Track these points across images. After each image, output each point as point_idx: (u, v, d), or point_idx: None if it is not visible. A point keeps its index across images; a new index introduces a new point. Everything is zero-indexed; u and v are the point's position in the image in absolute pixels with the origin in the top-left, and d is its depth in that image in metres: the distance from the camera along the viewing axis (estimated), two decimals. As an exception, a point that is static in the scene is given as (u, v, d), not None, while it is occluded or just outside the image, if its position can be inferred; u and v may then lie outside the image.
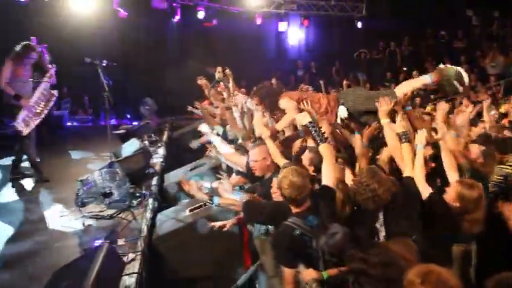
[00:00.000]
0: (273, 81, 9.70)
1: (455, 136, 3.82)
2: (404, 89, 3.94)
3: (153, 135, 8.14)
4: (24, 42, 5.74)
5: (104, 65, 5.96)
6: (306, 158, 3.59)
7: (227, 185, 3.89)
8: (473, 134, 4.69)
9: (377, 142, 3.91)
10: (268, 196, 3.37)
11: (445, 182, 3.17)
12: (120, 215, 4.73)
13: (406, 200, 2.92)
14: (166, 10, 11.97)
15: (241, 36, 13.12)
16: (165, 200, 5.45)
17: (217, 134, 6.27)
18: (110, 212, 4.78)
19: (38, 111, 5.72)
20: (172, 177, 5.95)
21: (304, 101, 3.97)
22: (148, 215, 4.61)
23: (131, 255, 3.72)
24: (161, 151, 7.39)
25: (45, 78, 5.83)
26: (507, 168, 3.82)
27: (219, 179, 4.79)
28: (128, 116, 11.44)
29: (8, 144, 7.56)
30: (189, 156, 6.68)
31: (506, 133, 5.02)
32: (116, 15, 10.82)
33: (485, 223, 2.95)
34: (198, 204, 4.52)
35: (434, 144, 3.50)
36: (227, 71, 6.42)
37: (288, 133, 4.47)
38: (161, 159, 6.88)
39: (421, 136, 3.20)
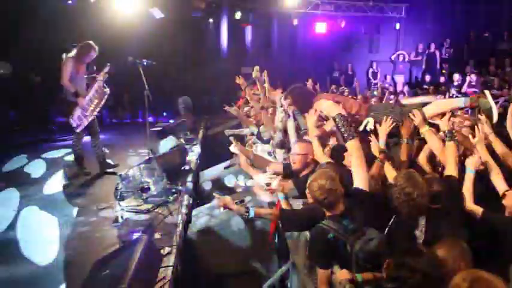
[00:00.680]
0: (309, 82, 9.68)
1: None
2: (434, 109, 3.90)
3: (188, 133, 8.29)
4: (85, 42, 5.86)
5: (145, 63, 6.14)
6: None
7: (263, 178, 3.95)
8: None
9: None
10: (303, 194, 3.40)
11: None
12: (156, 210, 4.86)
13: (449, 200, 2.86)
14: (204, 10, 12.17)
15: (277, 37, 13.15)
16: (200, 196, 5.57)
17: (252, 134, 6.35)
18: (147, 206, 4.92)
19: (91, 108, 5.89)
20: (208, 175, 6.07)
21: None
22: (184, 210, 4.72)
23: (167, 249, 3.82)
24: (196, 149, 7.53)
25: (100, 76, 5.96)
26: None
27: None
28: (165, 114, 11.70)
29: (51, 138, 7.99)
30: (223, 154, 6.78)
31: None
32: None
33: None
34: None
35: None
36: (264, 72, 6.48)
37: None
38: (196, 157, 7.01)
39: (473, 161, 3.11)
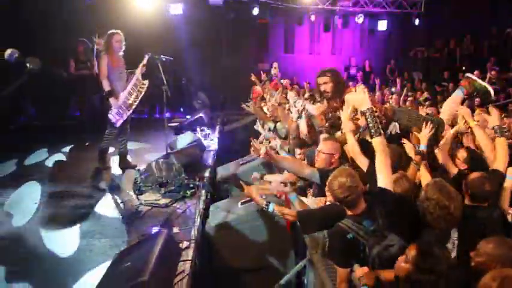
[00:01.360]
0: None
1: None
2: (448, 112, 4.07)
3: (205, 128, 8.35)
4: (109, 32, 5.83)
5: (163, 60, 6.19)
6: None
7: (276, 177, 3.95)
8: None
9: None
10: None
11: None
12: (174, 204, 4.93)
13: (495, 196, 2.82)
14: (222, 6, 12.18)
15: (294, 33, 13.09)
16: (217, 191, 5.61)
17: (269, 130, 6.36)
18: (165, 201, 5.00)
19: (130, 102, 5.90)
20: (224, 170, 6.10)
21: None
22: (201, 205, 4.77)
23: (185, 243, 3.87)
24: (213, 144, 7.58)
25: (138, 69, 5.98)
26: None
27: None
28: (182, 110, 11.77)
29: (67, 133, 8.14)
30: (240, 150, 6.81)
31: None
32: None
33: None
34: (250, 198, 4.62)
35: None
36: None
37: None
38: (213, 152, 7.06)
39: None
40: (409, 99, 8.62)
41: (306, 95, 7.27)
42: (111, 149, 6.49)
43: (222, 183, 5.80)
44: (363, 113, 2.82)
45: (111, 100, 5.75)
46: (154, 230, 4.03)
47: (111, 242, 4.05)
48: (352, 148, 3.56)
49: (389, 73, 13.46)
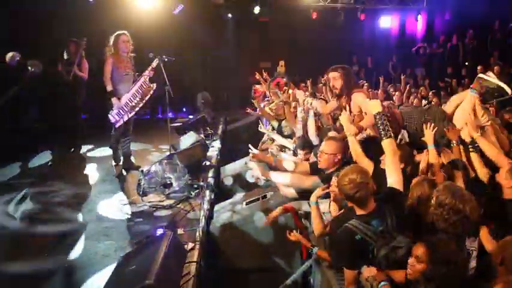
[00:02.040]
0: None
1: None
2: (461, 115, 3.88)
3: (208, 128, 8.32)
4: (116, 33, 5.86)
5: (166, 60, 6.17)
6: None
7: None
8: None
9: None
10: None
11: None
12: (178, 205, 4.91)
13: None
14: (222, 5, 12.15)
15: (296, 31, 13.03)
16: (222, 192, 5.58)
17: (273, 128, 6.33)
18: (169, 202, 4.98)
19: (133, 104, 5.92)
20: (228, 170, 6.07)
21: None
22: (206, 206, 4.75)
23: (190, 244, 3.85)
24: (216, 144, 7.55)
25: (146, 72, 5.98)
26: None
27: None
28: (184, 110, 11.77)
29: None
30: (243, 149, 6.77)
31: None
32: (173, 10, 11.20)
33: None
34: (255, 198, 4.60)
35: None
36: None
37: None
38: (217, 152, 7.03)
39: None
40: (411, 96, 8.58)
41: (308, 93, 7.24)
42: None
43: (226, 183, 5.77)
44: (374, 117, 2.94)
45: (113, 100, 5.78)
46: (159, 231, 3.99)
47: (115, 244, 4.04)
48: (356, 151, 3.55)
49: (391, 70, 13.38)
